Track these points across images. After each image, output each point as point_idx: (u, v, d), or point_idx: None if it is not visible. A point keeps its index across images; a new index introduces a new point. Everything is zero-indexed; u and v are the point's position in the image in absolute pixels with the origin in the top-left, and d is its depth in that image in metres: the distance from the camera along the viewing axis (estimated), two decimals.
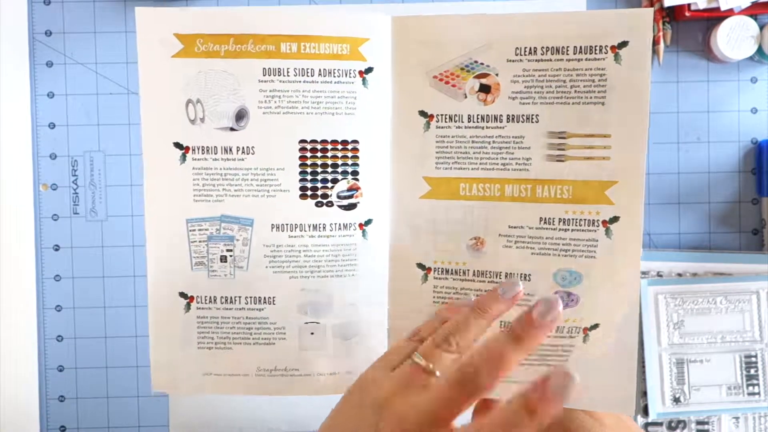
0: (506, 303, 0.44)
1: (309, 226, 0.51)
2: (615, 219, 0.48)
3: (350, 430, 0.40)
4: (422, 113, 0.50)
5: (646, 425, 0.70)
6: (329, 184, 0.51)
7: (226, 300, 0.52)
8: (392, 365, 0.42)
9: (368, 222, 0.51)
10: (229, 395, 0.71)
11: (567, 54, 0.48)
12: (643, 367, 0.69)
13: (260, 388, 0.52)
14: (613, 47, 0.47)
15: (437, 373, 0.40)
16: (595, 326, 0.49)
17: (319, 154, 0.51)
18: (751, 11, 0.67)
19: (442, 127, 0.50)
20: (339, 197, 0.51)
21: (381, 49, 0.50)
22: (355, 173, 0.51)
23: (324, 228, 0.51)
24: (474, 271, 0.51)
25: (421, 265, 0.51)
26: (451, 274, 0.51)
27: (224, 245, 0.51)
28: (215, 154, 0.50)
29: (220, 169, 0.51)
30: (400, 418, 0.38)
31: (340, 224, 0.51)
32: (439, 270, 0.51)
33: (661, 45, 0.68)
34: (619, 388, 0.49)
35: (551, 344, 0.50)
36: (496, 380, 0.37)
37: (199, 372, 0.52)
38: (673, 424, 0.70)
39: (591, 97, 0.48)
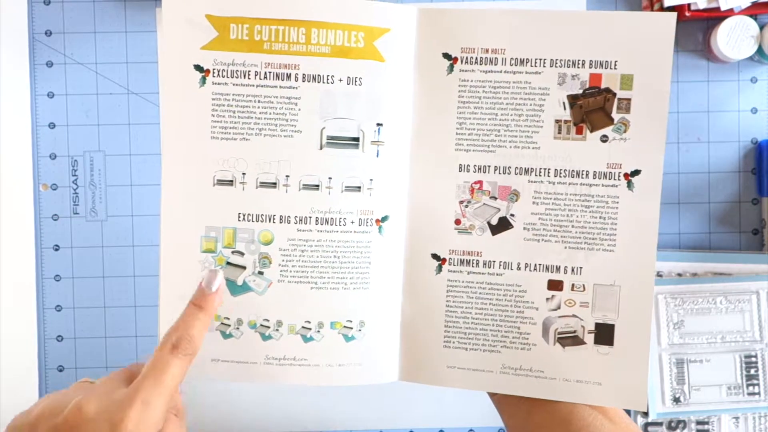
0: (214, 295, 0.46)
1: None
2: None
3: None
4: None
5: (646, 425, 0.70)
6: None
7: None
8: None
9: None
10: (228, 394, 0.71)
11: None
12: None
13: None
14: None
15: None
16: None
17: None
18: (751, 11, 0.67)
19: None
20: None
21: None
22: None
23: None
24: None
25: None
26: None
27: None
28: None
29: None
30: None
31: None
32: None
33: None
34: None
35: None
36: (198, 340, 0.44)
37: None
38: (673, 424, 0.70)
39: None
